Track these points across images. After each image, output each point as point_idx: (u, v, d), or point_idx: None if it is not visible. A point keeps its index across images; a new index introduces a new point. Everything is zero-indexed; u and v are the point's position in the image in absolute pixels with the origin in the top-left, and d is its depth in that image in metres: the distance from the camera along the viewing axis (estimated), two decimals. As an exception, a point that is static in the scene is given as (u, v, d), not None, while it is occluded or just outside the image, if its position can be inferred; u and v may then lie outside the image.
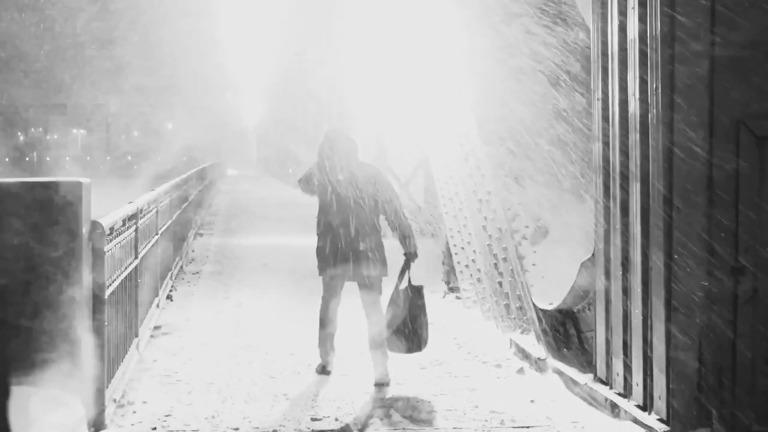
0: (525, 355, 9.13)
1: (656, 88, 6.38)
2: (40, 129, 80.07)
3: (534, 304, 9.17)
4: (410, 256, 8.65)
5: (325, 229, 8.61)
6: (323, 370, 8.80)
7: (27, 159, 74.67)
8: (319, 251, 8.66)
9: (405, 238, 8.61)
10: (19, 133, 79.08)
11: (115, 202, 9.18)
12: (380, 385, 8.38)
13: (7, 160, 70.21)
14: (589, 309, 8.15)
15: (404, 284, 8.56)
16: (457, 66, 11.39)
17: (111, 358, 7.26)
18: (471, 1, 10.79)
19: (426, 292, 8.67)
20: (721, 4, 6.23)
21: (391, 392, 8.09)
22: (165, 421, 7.17)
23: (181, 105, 72.25)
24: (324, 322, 8.79)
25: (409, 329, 8.45)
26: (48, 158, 75.15)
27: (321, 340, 8.83)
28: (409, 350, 8.51)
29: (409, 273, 8.60)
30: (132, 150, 75.90)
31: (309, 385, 8.36)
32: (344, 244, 8.52)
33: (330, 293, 8.74)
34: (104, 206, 8.05)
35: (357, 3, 22.10)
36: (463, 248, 12.06)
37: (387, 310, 8.56)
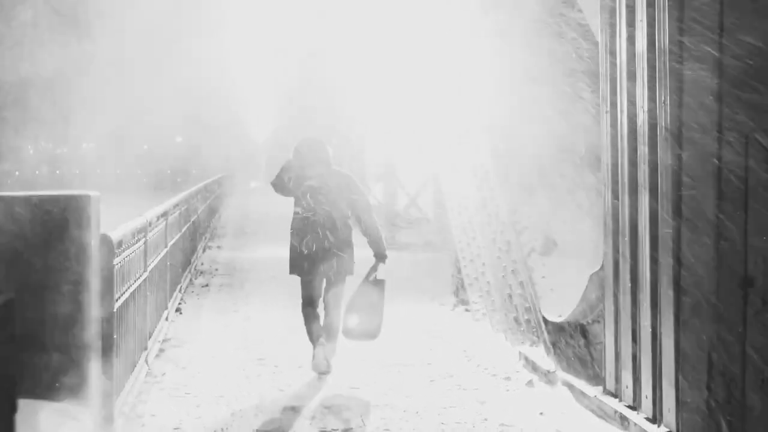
0: (534, 368, 9.11)
1: (664, 100, 6.38)
2: (50, 144, 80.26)
3: (543, 317, 9.16)
4: (379, 257, 9.33)
5: (298, 229, 9.27)
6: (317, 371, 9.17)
7: (36, 172, 74.78)
8: (292, 249, 9.30)
9: (374, 242, 9.32)
10: (28, 147, 79.27)
11: (124, 214, 9.20)
12: (322, 373, 9.09)
13: (17, 173, 70.33)
14: (598, 321, 8.14)
15: (371, 278, 9.23)
16: (467, 79, 11.40)
17: (120, 372, 7.26)
18: (483, 19, 10.81)
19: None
20: (730, 17, 6.22)
21: (400, 405, 8.08)
22: (174, 434, 7.18)
23: (190, 119, 72.35)
24: (308, 319, 9.38)
25: (367, 318, 9.16)
26: (57, 172, 75.27)
27: (311, 335, 9.35)
28: (364, 338, 9.25)
29: (376, 272, 9.26)
30: (142, 164, 76.00)
31: (319, 397, 8.35)
32: (315, 244, 9.18)
33: (308, 291, 9.38)
34: (113, 219, 8.07)
35: (369, 20, 22.12)
36: (472, 261, 12.05)
37: (352, 301, 9.20)
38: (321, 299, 9.47)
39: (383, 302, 9.25)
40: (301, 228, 9.23)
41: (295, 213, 9.32)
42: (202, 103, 68.61)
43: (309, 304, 9.40)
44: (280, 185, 9.37)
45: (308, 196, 9.21)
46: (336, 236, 9.21)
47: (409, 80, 15.29)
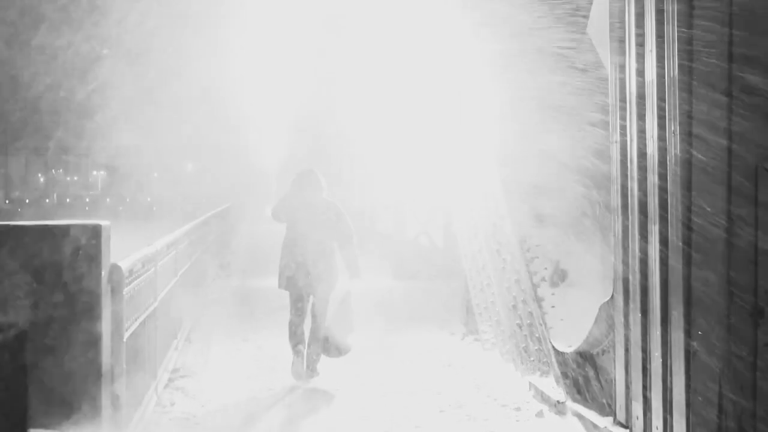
0: (544, 398, 9.08)
1: (674, 130, 6.38)
2: (60, 170, 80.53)
3: (553, 347, 9.14)
4: (354, 276, 10.41)
5: (288, 249, 10.39)
6: (297, 379, 10.17)
7: (47, 200, 75.00)
8: (281, 267, 10.41)
9: (350, 265, 10.41)
10: (39, 175, 79.54)
11: (135, 243, 9.22)
12: (310, 377, 10.17)
13: (27, 201, 70.54)
14: (608, 352, 8.11)
15: (348, 297, 10.30)
16: (478, 108, 11.42)
17: (129, 401, 7.26)
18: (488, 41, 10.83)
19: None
20: (739, 46, 6.23)
21: (409, 435, 8.07)
22: (183, 464, 7.17)
23: (201, 146, 72.51)
24: (292, 330, 10.37)
25: (338, 336, 10.23)
26: (68, 199, 75.46)
27: (296, 354, 10.28)
28: (336, 354, 10.28)
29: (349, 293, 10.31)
30: (152, 191, 76.17)
31: (328, 426, 8.34)
32: (301, 264, 10.28)
33: (295, 306, 10.41)
34: (124, 247, 8.08)
35: (381, 52, 22.14)
36: (482, 290, 12.04)
37: (328, 326, 10.23)
38: (306, 313, 10.48)
39: (351, 314, 10.29)
40: (291, 249, 10.37)
41: (286, 237, 10.46)
42: (213, 131, 68.75)
43: (295, 318, 10.40)
44: (276, 213, 10.57)
45: (299, 221, 10.32)
46: (320, 257, 10.29)
47: (419, 108, 15.31)
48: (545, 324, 9.44)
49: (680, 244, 6.37)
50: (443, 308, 14.83)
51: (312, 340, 10.39)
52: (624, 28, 7.27)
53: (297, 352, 10.28)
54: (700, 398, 6.26)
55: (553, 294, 9.62)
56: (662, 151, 6.61)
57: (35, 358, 6.15)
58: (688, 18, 6.32)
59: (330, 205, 10.44)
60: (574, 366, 8.71)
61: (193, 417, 8.60)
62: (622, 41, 7.35)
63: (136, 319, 7.77)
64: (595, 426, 7.80)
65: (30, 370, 5.35)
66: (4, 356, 3.15)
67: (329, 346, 10.22)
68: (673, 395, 6.49)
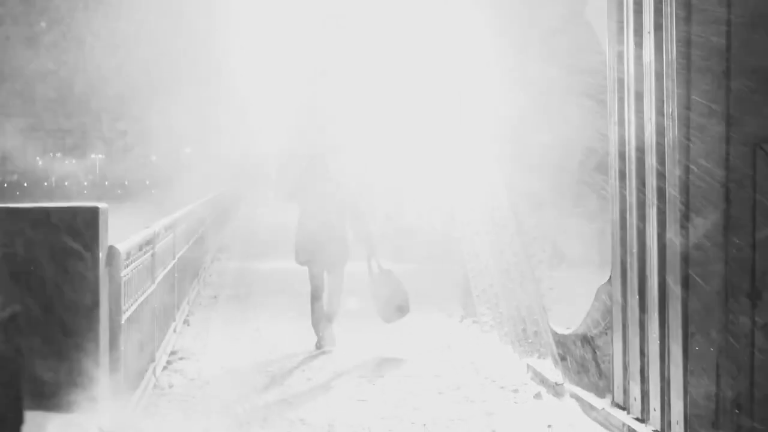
0: (542, 380, 9.10)
1: (672, 112, 6.38)
2: (59, 154, 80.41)
3: (551, 329, 9.15)
4: (368, 249, 11.29)
5: (302, 227, 11.20)
6: (319, 346, 10.99)
7: (45, 183, 74.91)
8: (297, 244, 11.25)
9: (363, 241, 11.31)
10: (37, 158, 79.41)
11: (133, 225, 9.21)
12: (328, 350, 10.90)
13: (25, 185, 70.46)
14: (606, 333, 8.12)
15: (375, 269, 11.27)
16: (474, 89, 11.41)
17: (127, 384, 7.26)
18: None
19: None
20: (737, 29, 6.22)
21: (408, 417, 8.07)
22: (181, 446, 7.18)
23: (199, 130, 72.40)
24: (315, 300, 11.17)
25: (396, 302, 11.26)
26: (66, 183, 75.37)
27: (314, 320, 11.15)
28: (399, 316, 11.38)
29: (374, 260, 11.29)
30: (150, 175, 76.06)
31: (326, 410, 8.34)
32: (316, 240, 11.10)
33: (314, 282, 11.22)
34: (122, 230, 8.08)
35: (380, 41, 22.06)
36: (480, 272, 12.04)
37: (375, 293, 11.35)
38: (324, 286, 11.28)
39: (399, 283, 11.34)
40: (305, 227, 11.18)
41: (300, 215, 11.24)
42: (212, 113, 68.63)
43: (315, 293, 11.20)
44: (288, 193, 11.39)
45: (311, 201, 11.16)
46: (332, 234, 11.12)
47: (415, 91, 15.30)
48: (543, 306, 9.44)
49: (678, 226, 6.37)
50: (441, 291, 14.83)
51: (328, 315, 11.17)
52: (622, 10, 7.26)
53: (317, 323, 11.13)
54: (697, 380, 6.27)
55: (551, 276, 9.62)
56: (660, 133, 6.60)
57: (31, 340, 6.16)
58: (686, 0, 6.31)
59: (340, 185, 11.27)
60: (572, 348, 8.72)
61: (191, 399, 8.61)
62: (620, 23, 7.33)
63: (134, 302, 7.77)
64: (592, 407, 7.82)
65: (25, 352, 5.34)
66: (-1, 338, 3.18)
67: (389, 311, 11.36)
68: (671, 377, 6.50)
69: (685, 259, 6.32)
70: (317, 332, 11.11)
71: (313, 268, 11.25)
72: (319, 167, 11.36)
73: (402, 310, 11.36)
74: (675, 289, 6.42)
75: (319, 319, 11.12)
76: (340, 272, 11.27)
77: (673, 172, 6.40)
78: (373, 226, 11.63)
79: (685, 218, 6.32)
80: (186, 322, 12.71)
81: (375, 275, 11.32)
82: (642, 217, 6.96)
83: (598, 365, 8.45)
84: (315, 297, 11.23)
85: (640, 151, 6.96)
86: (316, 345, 11.04)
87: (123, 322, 7.04)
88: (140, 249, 8.18)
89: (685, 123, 6.29)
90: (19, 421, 2.35)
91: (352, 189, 11.40)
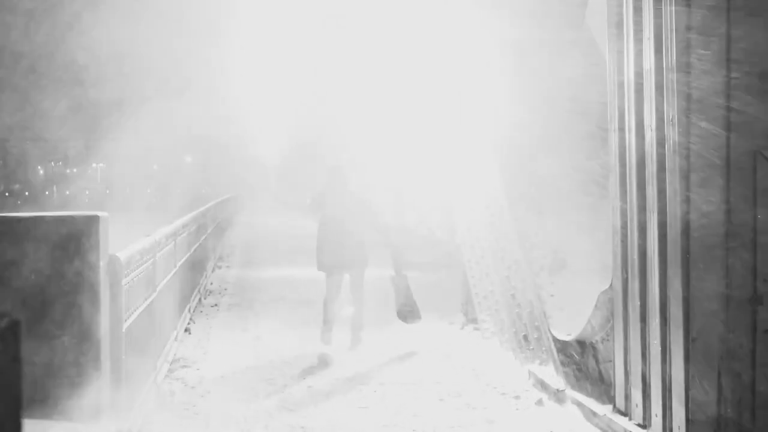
0: (544, 387, 9.09)
1: (672, 118, 6.38)
2: (60, 163, 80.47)
3: (552, 335, 9.14)
4: (393, 252, 11.98)
5: (323, 234, 11.84)
6: (324, 339, 11.67)
7: (47, 193, 74.98)
8: (319, 251, 11.85)
9: (388, 244, 12.02)
10: (39, 167, 79.49)
11: (134, 234, 9.21)
12: (356, 344, 11.68)
13: (27, 194, 70.51)
14: (608, 339, 8.12)
15: (396, 273, 12.01)
16: (476, 97, 11.41)
17: (129, 392, 7.26)
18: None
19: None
20: (737, 34, 6.22)
21: (409, 424, 8.06)
22: (183, 454, 7.17)
23: (199, 138, 72.45)
24: (328, 302, 11.78)
25: (410, 305, 12.09)
26: (68, 192, 75.43)
27: (325, 318, 11.75)
28: (414, 320, 12.11)
29: (397, 264, 12.00)
30: (152, 183, 76.12)
31: (327, 417, 8.34)
32: (336, 247, 11.73)
33: (331, 288, 11.81)
34: (123, 239, 8.08)
35: (379, 46, 22.08)
36: (481, 279, 12.04)
37: (397, 295, 12.14)
38: (341, 290, 11.89)
39: (410, 291, 12.10)
40: (326, 234, 11.82)
41: (321, 223, 11.90)
42: (213, 124, 68.71)
43: (330, 294, 11.80)
44: (318, 202, 12.01)
45: (331, 210, 11.81)
46: (351, 240, 11.72)
47: (416, 96, 15.31)
48: (544, 312, 9.44)
49: (679, 231, 6.37)
50: (442, 298, 14.82)
51: (354, 316, 11.89)
52: (622, 14, 7.26)
53: (327, 322, 11.74)
54: (699, 385, 6.27)
55: (552, 283, 9.62)
56: (660, 138, 6.61)
57: (31, 348, 6.16)
58: (686, 5, 6.31)
59: (355, 194, 12.01)
60: (574, 354, 8.72)
61: (192, 407, 8.61)
62: (620, 28, 7.34)
63: (135, 310, 7.77)
64: (594, 414, 7.81)
65: (25, 360, 5.35)
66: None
67: (406, 314, 12.11)
68: (672, 383, 6.50)
69: (686, 265, 6.32)
70: (324, 326, 11.78)
71: (334, 275, 11.85)
72: (338, 179, 12.02)
73: (413, 315, 12.14)
74: (676, 295, 6.42)
75: (331, 319, 11.75)
76: (360, 277, 11.89)
77: (674, 179, 6.40)
78: (395, 236, 12.41)
79: (686, 225, 6.31)
80: (187, 330, 12.71)
81: (395, 278, 12.10)
82: (643, 224, 6.96)
83: (599, 371, 8.45)
84: (329, 300, 11.82)
85: (641, 156, 6.97)
86: (321, 339, 11.73)
87: (124, 330, 7.03)
88: (141, 257, 8.18)
89: (686, 129, 6.29)
90: (17, 429, 2.35)
91: (371, 201, 12.12)
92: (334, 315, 11.84)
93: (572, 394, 8.47)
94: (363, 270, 11.94)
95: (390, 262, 11.99)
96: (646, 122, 6.84)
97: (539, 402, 8.77)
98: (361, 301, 11.92)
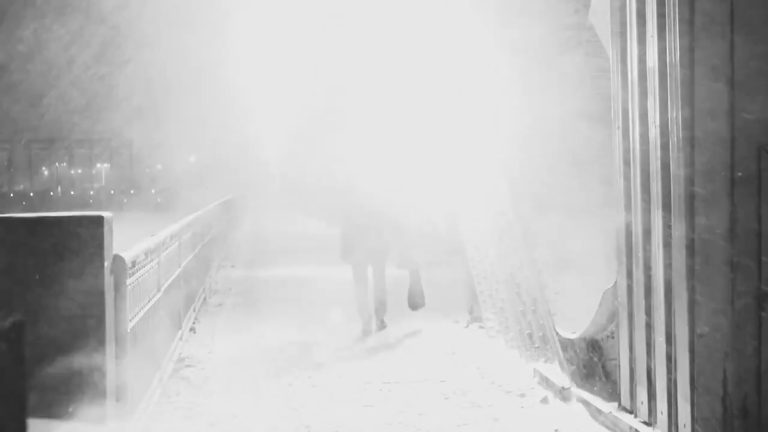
0: (549, 384, 9.08)
1: (676, 116, 6.37)
2: (64, 164, 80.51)
3: (557, 333, 9.14)
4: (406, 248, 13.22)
5: (346, 230, 12.99)
6: (365, 330, 12.57)
7: (51, 193, 75.02)
8: (342, 245, 13.00)
9: (401, 240, 13.19)
10: (43, 168, 79.54)
11: (139, 234, 9.21)
12: (380, 328, 12.67)
13: (31, 194, 70.57)
14: (613, 337, 8.11)
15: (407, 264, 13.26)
16: (481, 95, 11.40)
17: (133, 391, 7.26)
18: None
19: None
20: (741, 32, 6.21)
21: (414, 423, 8.06)
22: (188, 454, 7.17)
23: (204, 139, 72.48)
24: (358, 286, 12.86)
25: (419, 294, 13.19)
26: (72, 192, 75.47)
27: (359, 308, 12.77)
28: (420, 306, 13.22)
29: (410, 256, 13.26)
30: (155, 183, 76.14)
31: (331, 417, 8.34)
32: (358, 240, 12.81)
33: (357, 274, 12.94)
34: (128, 239, 8.07)
35: (382, 45, 22.04)
36: (485, 277, 12.03)
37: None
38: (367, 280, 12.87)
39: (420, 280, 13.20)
40: (348, 230, 12.94)
41: (345, 224, 13.01)
42: (217, 124, 68.76)
43: (358, 285, 12.85)
44: (336, 216, 13.45)
45: (354, 211, 12.94)
46: (372, 234, 12.77)
47: (419, 95, 15.30)
48: (549, 310, 9.43)
49: (683, 228, 6.36)
50: (447, 296, 14.81)
51: (377, 302, 12.83)
52: (625, 12, 7.25)
53: (362, 312, 12.72)
54: (704, 383, 6.26)
55: (556, 280, 9.61)
56: (664, 137, 6.60)
57: (35, 348, 6.15)
58: (689, 2, 6.30)
59: (374, 194, 13.00)
60: (579, 352, 8.71)
61: (197, 406, 8.61)
62: (623, 26, 7.33)
63: (140, 310, 7.77)
64: (599, 411, 7.80)
65: (30, 360, 5.34)
66: (1, 346, 3.14)
67: (414, 302, 13.15)
68: (678, 380, 6.49)
69: (691, 263, 6.31)
70: (362, 316, 12.74)
71: (357, 265, 12.95)
72: (352, 186, 13.13)
73: (418, 305, 13.20)
74: (681, 293, 6.41)
75: (364, 305, 12.77)
76: (381, 266, 12.99)
77: (678, 176, 6.39)
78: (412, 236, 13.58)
79: (691, 222, 6.30)
80: (192, 329, 12.71)
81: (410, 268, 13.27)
82: (647, 221, 6.95)
83: (605, 369, 8.45)
84: (358, 283, 12.88)
85: (645, 154, 6.96)
86: (363, 331, 12.62)
87: (128, 330, 7.03)
88: (146, 257, 8.18)
89: (690, 126, 6.28)
90: (22, 428, 2.35)
91: (389, 203, 13.14)
92: (367, 304, 12.76)
93: (577, 392, 8.46)
94: (384, 260, 13.02)
95: (400, 256, 13.14)
96: (650, 119, 6.83)
97: (544, 400, 8.76)
98: (383, 290, 12.85)
